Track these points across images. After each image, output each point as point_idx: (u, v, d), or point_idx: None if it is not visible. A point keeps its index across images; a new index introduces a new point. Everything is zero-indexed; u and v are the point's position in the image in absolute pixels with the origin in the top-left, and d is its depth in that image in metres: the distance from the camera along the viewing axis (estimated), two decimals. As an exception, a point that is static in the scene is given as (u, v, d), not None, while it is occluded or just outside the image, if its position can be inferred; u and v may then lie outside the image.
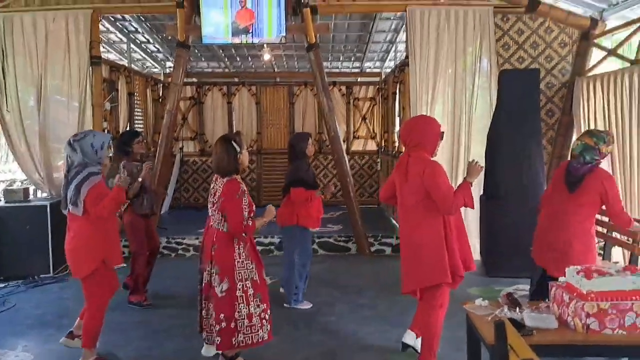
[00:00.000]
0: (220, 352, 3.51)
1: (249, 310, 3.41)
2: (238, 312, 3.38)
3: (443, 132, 3.57)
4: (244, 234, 3.43)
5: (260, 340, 3.46)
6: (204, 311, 3.56)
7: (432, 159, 3.51)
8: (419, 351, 3.66)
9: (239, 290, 3.40)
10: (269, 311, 3.55)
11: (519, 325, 2.63)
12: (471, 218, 6.65)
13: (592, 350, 2.70)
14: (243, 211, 3.39)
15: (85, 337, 3.69)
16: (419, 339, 3.76)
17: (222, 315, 3.38)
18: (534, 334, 2.67)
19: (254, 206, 3.57)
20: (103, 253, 3.65)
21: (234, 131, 3.78)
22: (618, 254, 5.61)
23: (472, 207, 3.54)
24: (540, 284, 4.06)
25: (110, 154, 3.94)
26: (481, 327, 2.80)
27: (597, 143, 3.65)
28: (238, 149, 3.45)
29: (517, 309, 2.88)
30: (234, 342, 3.39)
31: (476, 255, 6.56)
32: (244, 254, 3.46)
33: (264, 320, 3.48)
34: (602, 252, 5.17)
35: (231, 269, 3.41)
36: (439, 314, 3.49)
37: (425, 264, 3.39)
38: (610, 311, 2.64)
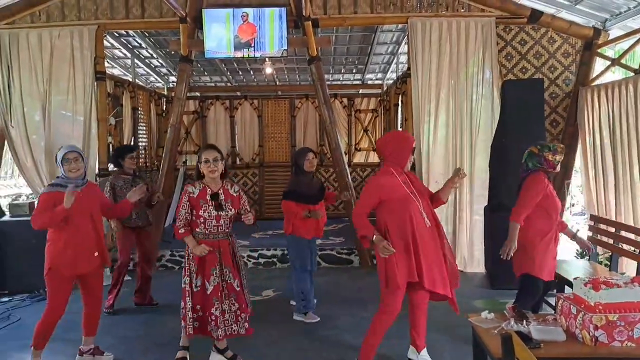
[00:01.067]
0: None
1: (186, 303, 3.77)
2: (184, 302, 3.78)
3: (414, 148, 3.73)
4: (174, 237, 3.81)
5: (188, 334, 3.79)
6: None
7: (406, 170, 3.71)
8: None
9: (186, 284, 3.79)
10: (200, 313, 3.78)
11: (525, 338, 2.61)
12: (474, 230, 6.64)
13: (601, 363, 2.67)
14: (180, 208, 3.72)
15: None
16: (423, 352, 3.83)
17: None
18: (542, 347, 2.64)
19: (202, 212, 3.70)
20: (49, 261, 3.79)
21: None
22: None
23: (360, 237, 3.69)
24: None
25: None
26: (488, 340, 2.77)
27: (541, 150, 3.91)
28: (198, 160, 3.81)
29: (524, 321, 2.86)
30: (181, 328, 3.84)
31: (480, 267, 6.57)
32: (191, 254, 3.75)
33: (190, 318, 3.76)
34: (608, 263, 5.14)
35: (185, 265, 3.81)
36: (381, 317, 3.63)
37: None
38: (619, 323, 2.62)
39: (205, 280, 3.75)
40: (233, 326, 3.79)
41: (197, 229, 3.76)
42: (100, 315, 4.15)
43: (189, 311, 3.74)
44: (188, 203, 3.71)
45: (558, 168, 4.02)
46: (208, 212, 3.71)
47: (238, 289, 3.82)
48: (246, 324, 3.85)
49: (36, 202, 3.86)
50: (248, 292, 4.01)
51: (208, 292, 3.74)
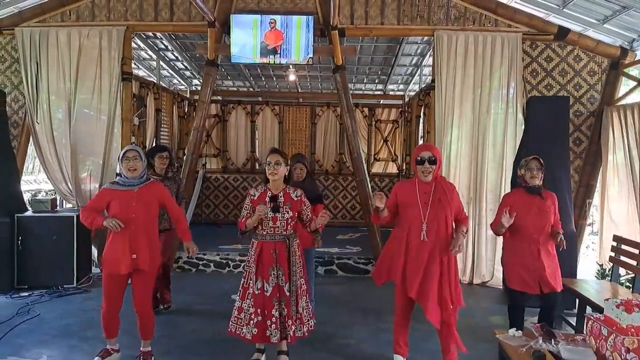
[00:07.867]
0: None
1: (241, 304, 3.80)
2: (236, 301, 3.88)
3: (419, 159, 3.73)
4: (239, 233, 3.86)
5: (241, 335, 3.78)
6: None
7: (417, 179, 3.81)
8: None
9: (242, 284, 3.85)
10: (259, 317, 3.70)
11: (555, 358, 2.57)
12: (490, 246, 6.59)
13: (632, 386, 2.61)
14: (243, 209, 3.90)
15: None
16: None
17: None
18: (571, 367, 2.61)
19: (263, 207, 3.74)
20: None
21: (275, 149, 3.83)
22: None
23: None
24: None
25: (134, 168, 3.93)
26: (516, 358, 2.74)
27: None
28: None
29: (552, 340, 2.82)
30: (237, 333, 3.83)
31: (499, 282, 6.50)
32: (253, 256, 3.80)
33: (251, 322, 3.73)
34: (630, 285, 5.06)
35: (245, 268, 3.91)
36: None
37: None
38: (651, 347, 2.57)
39: (265, 282, 3.72)
40: (282, 332, 3.73)
41: (257, 230, 3.81)
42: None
43: (256, 316, 3.70)
44: (250, 204, 3.84)
45: (533, 182, 4.08)
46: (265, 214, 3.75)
47: (288, 294, 3.74)
48: (291, 332, 3.74)
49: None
50: (307, 301, 3.90)
51: (268, 294, 3.70)
